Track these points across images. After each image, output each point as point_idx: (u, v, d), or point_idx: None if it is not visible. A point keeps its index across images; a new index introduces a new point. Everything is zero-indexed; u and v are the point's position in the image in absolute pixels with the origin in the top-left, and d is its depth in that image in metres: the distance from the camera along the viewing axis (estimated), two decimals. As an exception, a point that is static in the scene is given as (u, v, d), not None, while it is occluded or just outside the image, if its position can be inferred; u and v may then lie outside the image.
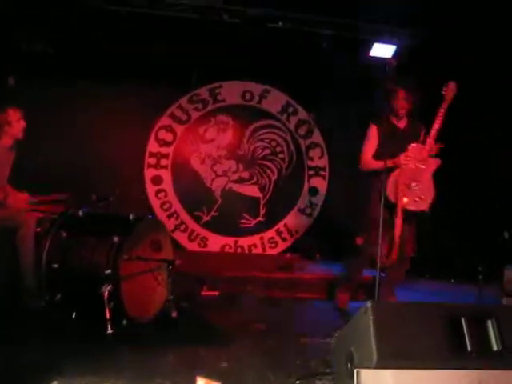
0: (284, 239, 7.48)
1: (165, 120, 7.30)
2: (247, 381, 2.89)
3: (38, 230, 4.18)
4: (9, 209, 4.27)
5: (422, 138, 4.51)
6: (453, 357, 2.33)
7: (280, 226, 7.48)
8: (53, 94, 6.51)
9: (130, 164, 7.16)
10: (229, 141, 7.43)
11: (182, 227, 7.26)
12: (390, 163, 4.28)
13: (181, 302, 4.34)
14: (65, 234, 3.85)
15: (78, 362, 2.98)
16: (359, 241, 8.03)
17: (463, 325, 2.40)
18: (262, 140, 7.51)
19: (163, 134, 7.29)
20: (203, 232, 7.30)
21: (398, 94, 4.54)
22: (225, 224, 7.35)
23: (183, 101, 7.35)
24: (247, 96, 7.49)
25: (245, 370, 3.05)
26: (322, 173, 7.60)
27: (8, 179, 4.51)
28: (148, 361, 3.11)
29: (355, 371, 2.25)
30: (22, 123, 4.39)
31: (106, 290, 3.58)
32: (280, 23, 6.61)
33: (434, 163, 4.42)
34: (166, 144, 7.29)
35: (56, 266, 3.75)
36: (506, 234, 4.66)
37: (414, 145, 4.41)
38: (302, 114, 7.57)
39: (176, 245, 7.07)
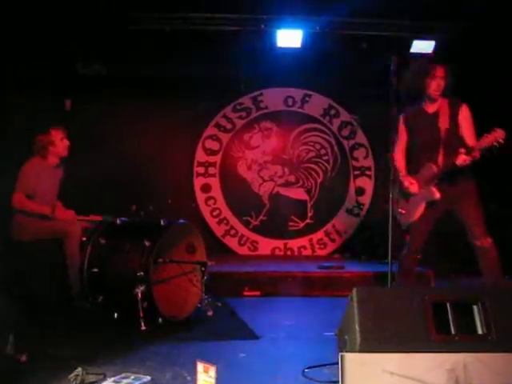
0: (333, 240, 7.59)
1: (211, 130, 7.62)
2: (260, 371, 3.09)
3: (83, 238, 4.54)
4: (58, 221, 4.67)
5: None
6: (436, 340, 2.43)
7: (328, 226, 7.60)
8: (104, 114, 6.99)
9: (180, 175, 7.55)
10: (274, 146, 7.65)
11: (232, 232, 7.52)
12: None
13: (216, 302, 4.57)
14: (103, 241, 4.19)
15: (111, 354, 3.30)
16: (408, 238, 7.98)
17: (448, 309, 2.49)
18: (306, 143, 7.67)
19: (210, 143, 7.61)
20: (253, 236, 7.53)
21: (436, 73, 4.03)
22: (274, 227, 7.56)
23: (227, 110, 7.64)
24: (289, 101, 7.68)
25: (261, 361, 3.26)
26: (367, 172, 7.65)
27: (58, 196, 4.95)
28: (171, 353, 3.37)
29: (339, 355, 2.39)
30: (66, 142, 4.79)
31: (139, 291, 3.88)
32: (317, 28, 6.77)
33: None
34: (213, 153, 7.60)
35: (96, 270, 4.09)
36: None
37: None
38: (345, 115, 7.66)
39: (226, 250, 7.40)
